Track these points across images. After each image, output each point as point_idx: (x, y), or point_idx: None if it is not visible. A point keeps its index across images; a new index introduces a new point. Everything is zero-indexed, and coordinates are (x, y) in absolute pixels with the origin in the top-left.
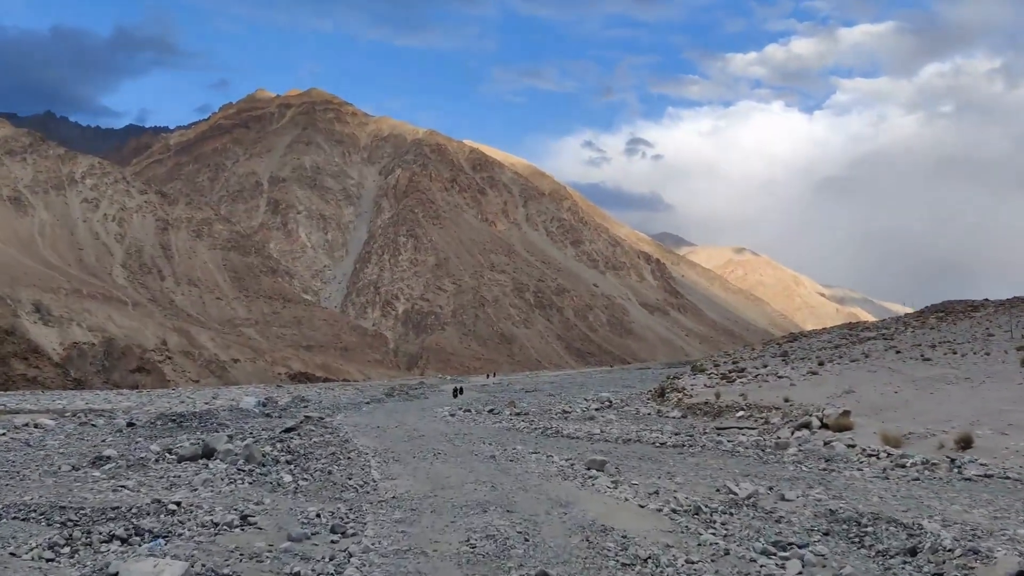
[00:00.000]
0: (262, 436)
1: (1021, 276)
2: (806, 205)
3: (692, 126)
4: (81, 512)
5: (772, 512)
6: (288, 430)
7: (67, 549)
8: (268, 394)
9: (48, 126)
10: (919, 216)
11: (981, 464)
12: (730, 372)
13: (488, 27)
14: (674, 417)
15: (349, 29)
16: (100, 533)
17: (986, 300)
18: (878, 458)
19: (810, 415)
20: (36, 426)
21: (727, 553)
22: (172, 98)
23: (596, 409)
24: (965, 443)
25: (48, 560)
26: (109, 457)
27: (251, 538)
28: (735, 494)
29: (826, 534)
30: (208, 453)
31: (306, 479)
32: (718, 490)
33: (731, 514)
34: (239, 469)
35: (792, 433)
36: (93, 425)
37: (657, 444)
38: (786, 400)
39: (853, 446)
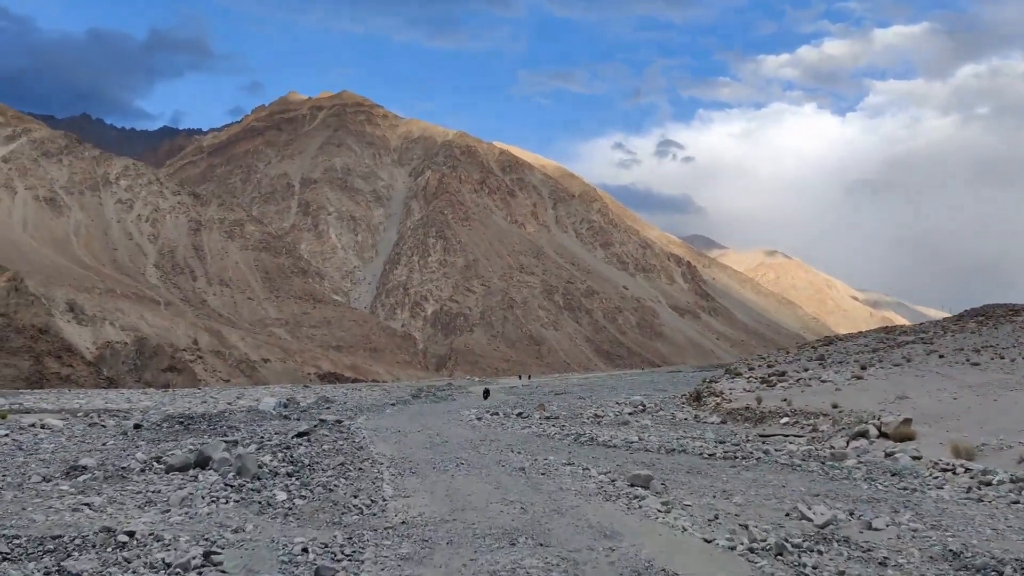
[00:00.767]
0: (269, 442)
1: None
2: (839, 208)
3: (723, 128)
4: (14, 543)
5: (870, 550)
6: (300, 435)
7: None
8: (291, 395)
9: (84, 128)
10: (954, 219)
11: None
12: (770, 376)
13: (518, 29)
14: (713, 423)
15: (380, 32)
16: None
17: None
18: (954, 473)
19: (866, 423)
20: (43, 427)
21: None
22: (205, 100)
23: (630, 413)
24: None
25: None
26: (86, 467)
27: None
28: (809, 519)
29: None
30: (203, 462)
31: (304, 496)
32: (788, 514)
33: (820, 552)
34: (227, 484)
35: (847, 443)
36: (103, 426)
37: (705, 455)
38: (834, 406)
39: (919, 458)
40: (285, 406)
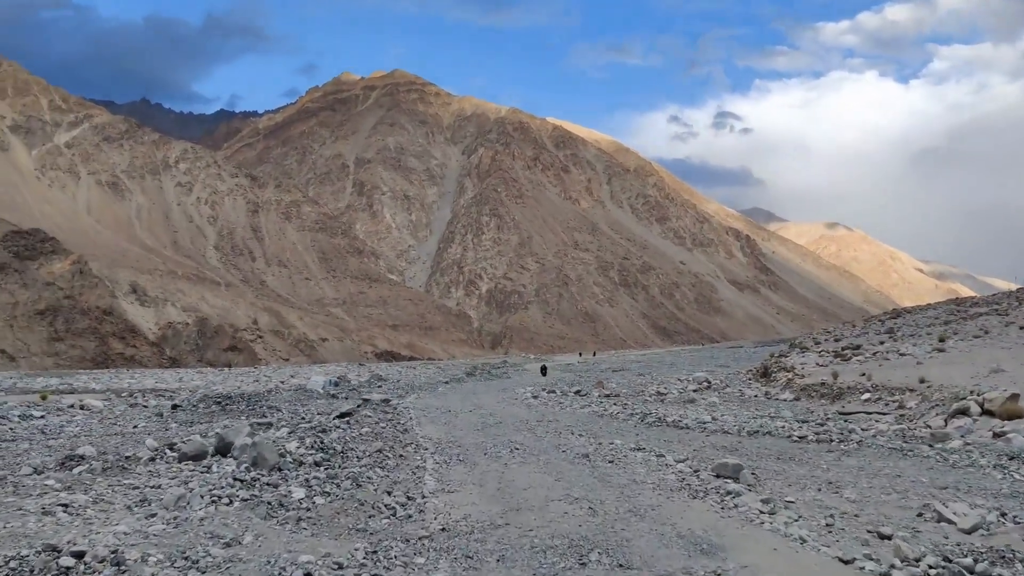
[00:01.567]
0: (302, 425)
1: None
2: (902, 178)
3: (781, 99)
4: None
5: None
6: (342, 416)
7: None
8: (343, 374)
9: (143, 113)
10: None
11: None
12: (843, 349)
13: (571, 3)
14: (786, 400)
15: (433, 11)
16: None
17: None
18: None
19: (963, 399)
20: (82, 407)
21: None
22: (261, 83)
23: (694, 390)
24: None
25: None
26: (83, 457)
27: None
28: (950, 522)
29: None
30: (224, 449)
31: (327, 493)
32: (920, 515)
33: None
34: (236, 478)
35: (946, 421)
36: (144, 406)
37: (794, 438)
38: (921, 381)
39: None
40: (336, 384)
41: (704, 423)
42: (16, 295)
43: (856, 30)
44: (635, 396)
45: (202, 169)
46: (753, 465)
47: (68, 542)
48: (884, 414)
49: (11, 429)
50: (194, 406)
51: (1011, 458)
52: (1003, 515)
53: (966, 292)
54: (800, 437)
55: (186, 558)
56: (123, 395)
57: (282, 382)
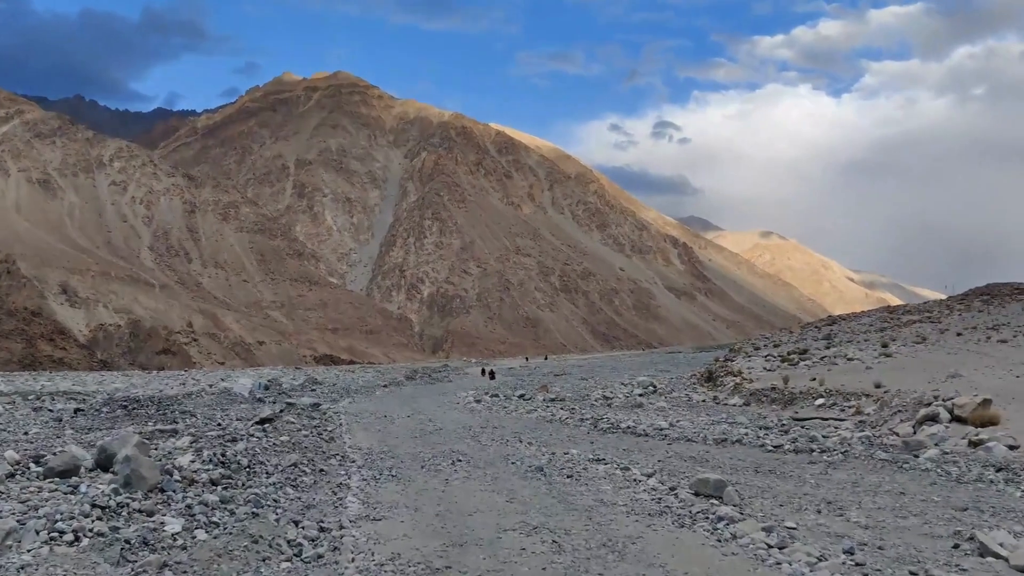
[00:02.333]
0: (215, 431)
1: None
2: (834, 189)
3: (719, 109)
4: None
5: None
6: (262, 421)
7: None
8: (274, 376)
9: (78, 109)
10: (950, 200)
11: None
12: (789, 354)
13: (514, 10)
14: (735, 405)
15: (376, 13)
16: None
17: None
18: None
19: (930, 404)
20: None
21: None
22: (200, 82)
23: (640, 395)
24: None
25: None
26: None
27: None
28: (999, 556)
29: None
30: (104, 462)
31: (214, 524)
32: (956, 545)
33: None
34: (95, 504)
35: (915, 428)
36: (49, 410)
37: (768, 447)
38: (877, 386)
39: (1017, 447)
40: (267, 388)
41: (662, 429)
42: None
43: (791, 44)
44: (581, 400)
45: (137, 168)
46: (732, 479)
47: None
48: (841, 420)
49: None
50: (97, 411)
51: (998, 469)
52: None
53: (895, 301)
54: (775, 446)
55: None
56: (30, 398)
57: (210, 385)
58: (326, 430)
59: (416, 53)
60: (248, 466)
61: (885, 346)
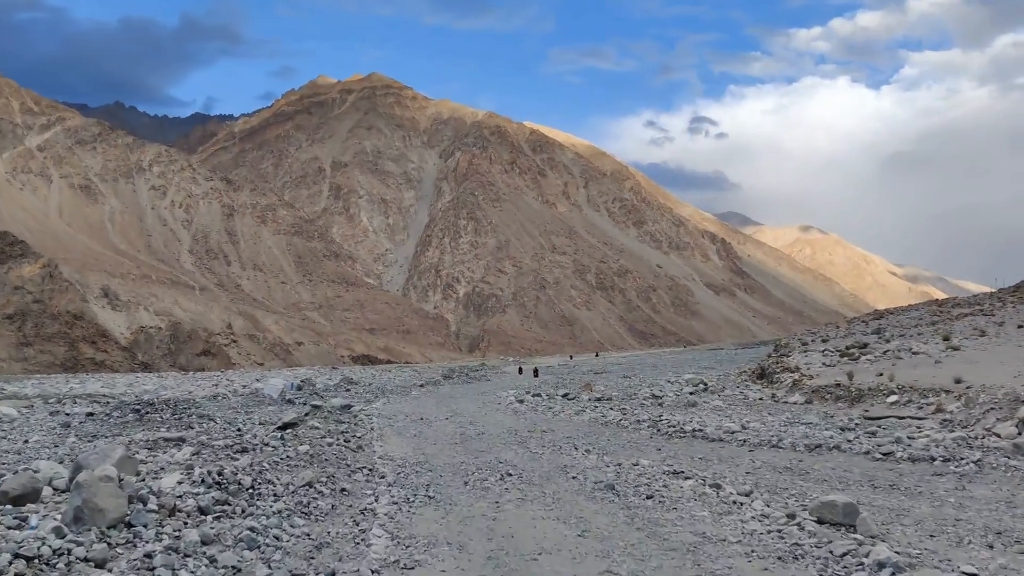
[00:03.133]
0: (224, 440)
1: None
2: (875, 182)
3: (756, 104)
4: None
5: None
6: (284, 426)
7: None
8: (308, 376)
9: (117, 116)
10: (993, 191)
11: None
12: (848, 348)
13: (546, 7)
14: (797, 403)
15: (410, 14)
16: None
17: None
18: None
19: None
20: None
21: None
22: (237, 86)
23: (691, 393)
24: None
25: None
26: None
27: None
28: None
29: None
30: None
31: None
32: None
33: None
34: (16, 555)
35: (1019, 429)
36: (67, 414)
37: (876, 455)
38: (958, 381)
39: None
40: (299, 389)
41: (733, 433)
42: None
43: (828, 36)
44: (629, 399)
45: (176, 172)
46: (858, 497)
47: None
48: (921, 419)
49: None
50: (108, 415)
51: None
52: None
53: (938, 294)
54: (884, 454)
55: None
56: (51, 401)
57: (244, 386)
58: (355, 436)
59: (449, 53)
60: (252, 487)
61: (947, 339)
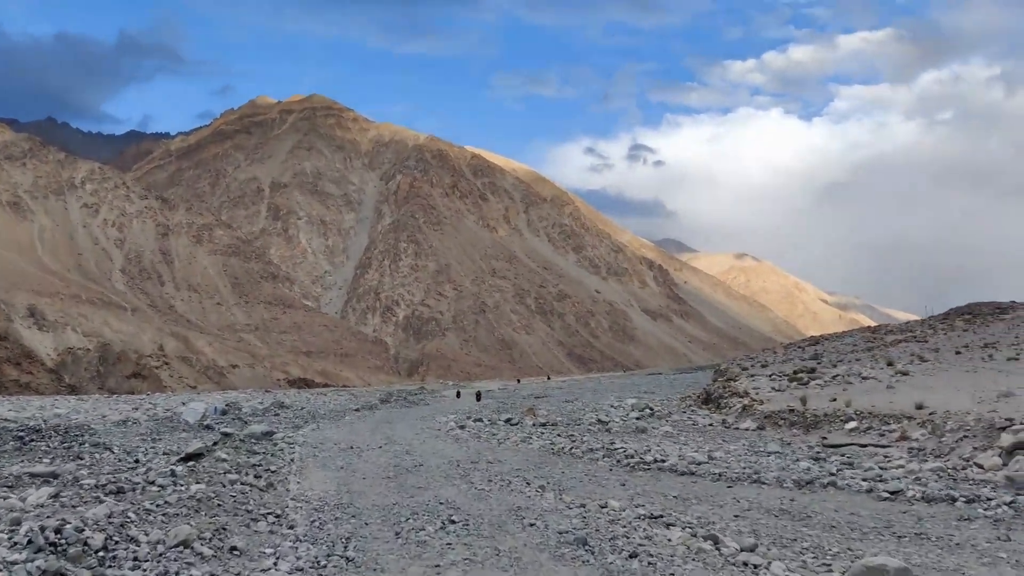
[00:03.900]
0: (90, 481)
1: (1020, 282)
2: (806, 211)
3: (692, 133)
4: None
5: None
6: (187, 458)
7: None
8: (237, 400)
9: (49, 132)
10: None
11: None
12: (797, 372)
13: (489, 34)
14: (749, 429)
15: (352, 37)
16: None
17: (1013, 302)
18: None
19: (1008, 429)
20: None
21: None
22: (175, 104)
23: (637, 418)
24: None
25: None
26: None
27: None
28: None
29: None
30: None
31: None
32: None
33: None
34: None
35: (1004, 460)
36: None
37: (881, 493)
38: (919, 407)
39: None
40: (224, 413)
41: (700, 464)
42: None
43: (762, 69)
44: (574, 425)
45: (110, 190)
46: (883, 547)
47: None
48: (884, 447)
49: None
50: None
51: None
52: None
53: (867, 322)
54: (892, 492)
55: None
56: None
57: (167, 410)
58: (268, 470)
59: (392, 76)
60: (103, 548)
61: (891, 364)
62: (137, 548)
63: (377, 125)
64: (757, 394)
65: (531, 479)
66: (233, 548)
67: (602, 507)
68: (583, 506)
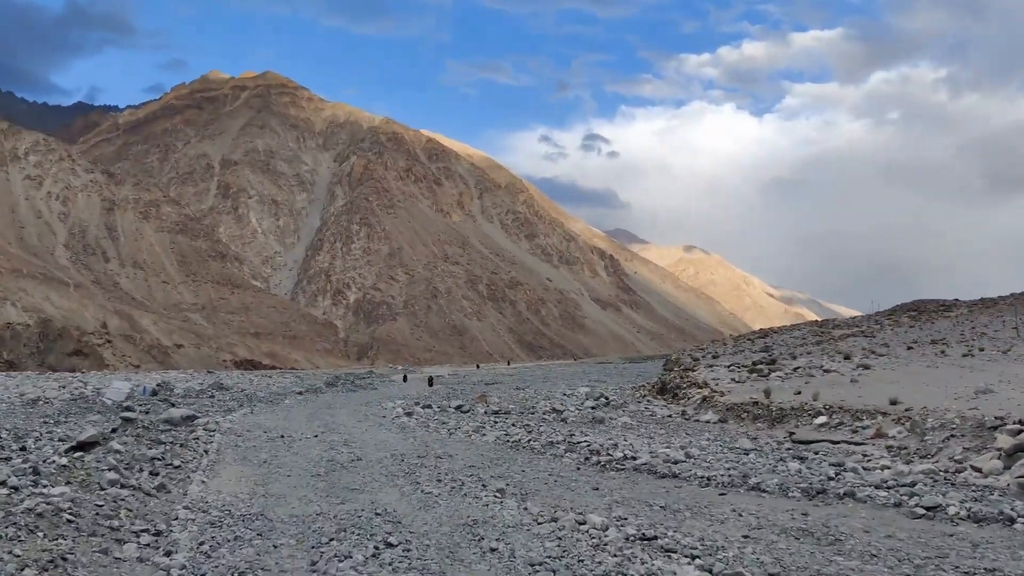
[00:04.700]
0: None
1: (960, 280)
2: (755, 206)
3: (646, 125)
4: None
5: None
6: (77, 447)
7: None
8: (170, 380)
9: None
10: (863, 220)
11: None
12: (756, 364)
13: (445, 18)
14: (710, 422)
15: (307, 15)
16: None
17: (957, 300)
18: None
19: (1001, 428)
20: None
21: None
22: (124, 77)
23: (592, 408)
24: None
25: None
26: None
27: None
28: None
29: None
30: None
31: None
32: None
33: None
34: None
35: (1004, 462)
36: None
37: (916, 509)
38: (894, 402)
39: None
40: (154, 394)
41: (677, 463)
42: None
43: (716, 63)
44: (528, 413)
45: (55, 163)
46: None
47: None
48: (858, 443)
49: None
50: None
51: None
52: None
53: (812, 316)
54: (929, 508)
55: None
56: None
57: (96, 389)
58: (169, 465)
59: (346, 56)
60: None
61: (848, 358)
62: None
63: (332, 105)
64: (717, 385)
65: (487, 479)
66: None
67: (580, 523)
68: (555, 520)
